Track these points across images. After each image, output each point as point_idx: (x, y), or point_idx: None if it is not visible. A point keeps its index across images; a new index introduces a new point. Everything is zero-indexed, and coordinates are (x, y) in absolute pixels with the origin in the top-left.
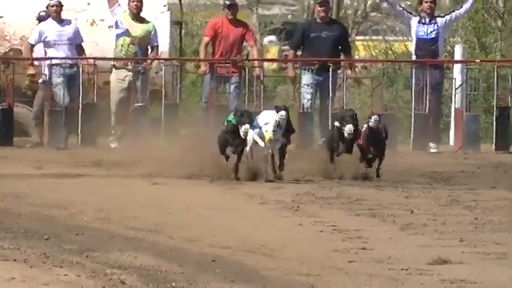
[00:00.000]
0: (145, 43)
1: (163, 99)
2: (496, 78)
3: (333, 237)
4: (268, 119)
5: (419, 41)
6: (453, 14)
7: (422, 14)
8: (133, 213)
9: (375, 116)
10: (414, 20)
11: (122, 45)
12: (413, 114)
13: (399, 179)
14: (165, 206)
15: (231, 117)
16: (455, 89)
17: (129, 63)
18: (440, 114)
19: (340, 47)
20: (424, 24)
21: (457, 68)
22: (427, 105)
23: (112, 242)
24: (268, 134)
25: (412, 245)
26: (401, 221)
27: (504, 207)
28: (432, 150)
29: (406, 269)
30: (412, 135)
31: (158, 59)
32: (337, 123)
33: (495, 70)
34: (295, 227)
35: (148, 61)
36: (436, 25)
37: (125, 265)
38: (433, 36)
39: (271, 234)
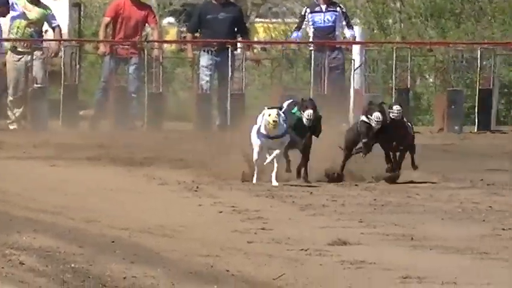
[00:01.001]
0: (41, 26)
1: (62, 80)
2: (394, 60)
3: (232, 217)
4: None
5: (316, 29)
6: (343, 23)
7: (317, 2)
8: (32, 195)
9: (397, 106)
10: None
11: (18, 28)
12: (311, 95)
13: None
14: (64, 187)
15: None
16: (354, 70)
17: (25, 45)
18: (344, 95)
19: (236, 29)
20: (320, 12)
21: (356, 49)
22: (325, 87)
23: (11, 223)
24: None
25: (311, 226)
26: (300, 202)
27: (402, 189)
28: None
29: (306, 250)
30: None
31: (57, 40)
32: (363, 117)
33: (394, 52)
34: (195, 208)
35: (52, 43)
36: (333, 14)
37: (24, 246)
38: (330, 24)
39: (170, 215)
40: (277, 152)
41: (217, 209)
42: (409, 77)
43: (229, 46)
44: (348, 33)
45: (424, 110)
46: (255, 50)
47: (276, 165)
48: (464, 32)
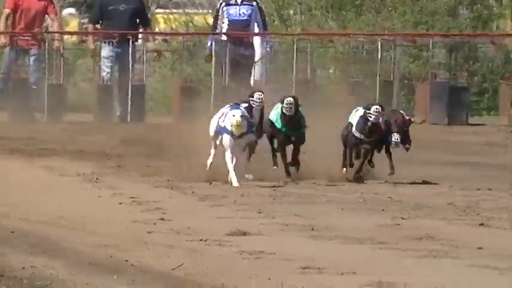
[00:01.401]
0: None
1: None
2: (295, 52)
3: (132, 208)
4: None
5: (231, 22)
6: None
7: None
8: None
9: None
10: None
11: None
12: (213, 86)
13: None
14: None
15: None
16: (256, 62)
17: None
18: (245, 86)
19: (138, 20)
20: (235, 5)
21: (256, 41)
22: (227, 78)
23: None
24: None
25: (211, 216)
26: (200, 193)
27: (303, 180)
28: None
29: (205, 240)
30: (211, 106)
31: None
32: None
33: (294, 43)
34: (95, 199)
35: None
36: (249, 8)
37: None
38: (245, 18)
39: (70, 206)
40: (243, 154)
41: (117, 200)
42: (309, 69)
43: (130, 37)
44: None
45: (326, 101)
46: (156, 41)
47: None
48: (365, 23)
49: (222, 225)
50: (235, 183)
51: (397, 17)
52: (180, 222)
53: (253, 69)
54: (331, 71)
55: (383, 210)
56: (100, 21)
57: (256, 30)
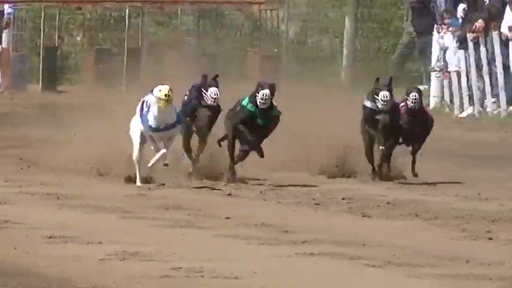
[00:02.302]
0: None
1: None
2: (43, 18)
3: None
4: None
5: None
6: None
7: None
8: None
9: (413, 94)
10: None
11: None
12: None
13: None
14: None
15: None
16: (2, 31)
17: None
18: None
19: None
20: None
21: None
22: None
23: None
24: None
25: None
26: None
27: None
28: None
29: None
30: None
31: None
32: (367, 103)
33: (43, 10)
34: None
35: None
36: None
37: None
38: None
39: None
40: (163, 151)
41: None
42: (56, 36)
43: None
44: None
45: (73, 69)
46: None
47: (156, 157)
48: None
49: None
50: (138, 182)
51: None
52: None
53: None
54: (78, 38)
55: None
56: None
57: None
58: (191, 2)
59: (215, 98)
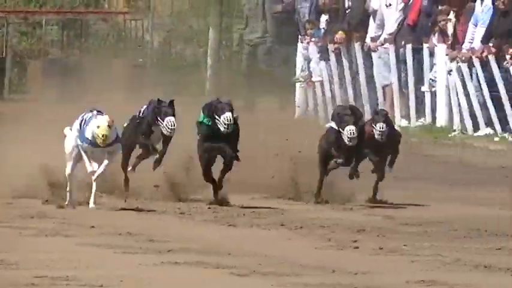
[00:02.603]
0: None
1: None
2: None
3: None
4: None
5: None
6: None
7: None
8: None
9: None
10: None
11: None
12: None
13: None
14: None
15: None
16: None
17: None
18: None
19: None
20: None
21: None
22: None
23: None
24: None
25: None
26: None
27: None
28: None
29: None
30: None
31: None
32: (332, 124)
33: None
34: None
35: None
36: None
37: None
38: None
39: None
40: (106, 163)
41: None
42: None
43: None
44: None
45: None
46: None
47: (94, 183)
48: None
49: None
50: (92, 204)
51: None
52: None
53: None
54: None
55: None
56: None
57: None
58: (56, 12)
59: (172, 130)
